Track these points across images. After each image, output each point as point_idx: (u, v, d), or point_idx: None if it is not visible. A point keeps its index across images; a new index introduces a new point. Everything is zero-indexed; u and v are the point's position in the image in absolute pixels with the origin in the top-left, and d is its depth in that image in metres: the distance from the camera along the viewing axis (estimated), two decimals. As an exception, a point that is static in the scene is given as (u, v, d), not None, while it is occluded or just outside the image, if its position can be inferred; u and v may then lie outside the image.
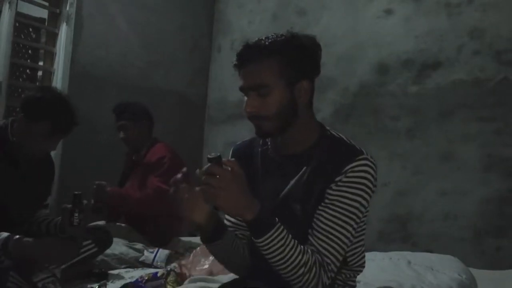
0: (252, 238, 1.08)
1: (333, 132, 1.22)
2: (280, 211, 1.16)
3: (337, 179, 1.11)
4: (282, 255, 1.05)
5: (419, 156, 2.92)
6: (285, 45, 1.13)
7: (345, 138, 1.20)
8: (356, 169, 1.11)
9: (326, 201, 1.12)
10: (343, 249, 1.11)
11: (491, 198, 2.65)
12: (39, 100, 1.77)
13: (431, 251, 2.34)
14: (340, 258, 1.12)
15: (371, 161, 1.13)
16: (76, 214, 1.76)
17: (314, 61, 1.18)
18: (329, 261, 1.09)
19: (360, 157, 1.12)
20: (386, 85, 3.08)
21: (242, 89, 1.16)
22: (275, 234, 1.05)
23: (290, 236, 1.07)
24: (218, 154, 1.03)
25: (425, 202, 2.86)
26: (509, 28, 2.68)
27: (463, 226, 2.72)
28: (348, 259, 1.23)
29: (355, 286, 1.31)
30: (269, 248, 1.05)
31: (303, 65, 1.15)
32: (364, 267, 1.30)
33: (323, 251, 1.09)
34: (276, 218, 1.07)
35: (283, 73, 1.12)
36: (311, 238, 1.11)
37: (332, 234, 1.10)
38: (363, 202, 1.12)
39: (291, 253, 1.06)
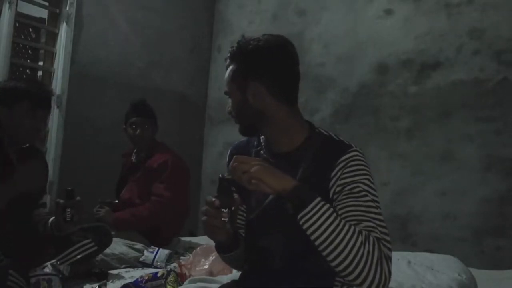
0: (300, 215, 1.02)
1: (322, 130, 1.25)
2: (272, 210, 1.18)
3: (333, 174, 1.14)
4: (335, 224, 1.00)
5: (418, 156, 2.92)
6: (235, 53, 1.22)
7: (333, 135, 1.24)
8: (351, 159, 1.15)
9: (343, 196, 1.12)
10: (383, 227, 1.07)
11: (491, 198, 2.65)
12: (7, 85, 1.84)
13: (431, 251, 2.34)
14: (388, 237, 1.06)
15: (360, 152, 1.18)
16: (68, 210, 1.77)
17: (265, 64, 1.20)
18: (379, 235, 1.04)
19: (350, 149, 1.17)
20: (386, 85, 3.08)
21: None
22: (322, 202, 1.03)
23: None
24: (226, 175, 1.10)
25: (424, 202, 2.86)
26: (509, 28, 2.67)
27: (463, 226, 2.72)
28: None
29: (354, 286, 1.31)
30: (321, 216, 1.01)
31: (248, 69, 1.21)
32: None
33: (369, 228, 1.05)
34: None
35: (234, 78, 1.22)
36: None
37: (365, 216, 1.07)
38: (371, 184, 1.14)
39: (342, 222, 1.02)
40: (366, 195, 1.11)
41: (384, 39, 3.10)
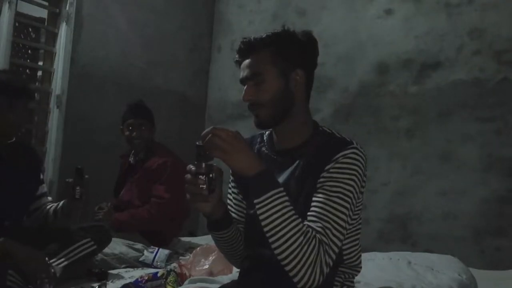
0: (252, 199, 1.07)
1: (325, 128, 1.26)
2: None
3: (327, 167, 1.14)
4: (281, 220, 1.04)
5: (418, 156, 2.92)
6: (277, 37, 1.20)
7: (336, 133, 1.24)
8: (346, 155, 1.14)
9: (318, 185, 1.14)
10: (339, 232, 1.09)
11: (491, 198, 2.65)
12: None
13: (431, 251, 2.34)
14: (338, 244, 1.10)
15: (360, 151, 1.16)
16: (78, 188, 1.79)
17: (308, 53, 1.23)
18: (326, 241, 1.07)
19: (350, 146, 1.16)
20: (386, 85, 3.08)
21: (241, 80, 1.22)
22: (276, 196, 1.05)
23: (290, 204, 1.07)
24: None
25: (424, 202, 2.87)
26: (509, 28, 2.68)
27: (463, 226, 2.72)
28: (345, 257, 1.24)
29: (353, 287, 1.31)
30: (268, 209, 1.04)
31: (295, 55, 1.20)
32: (361, 267, 1.31)
33: (320, 229, 1.07)
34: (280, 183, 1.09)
35: (276, 62, 1.18)
36: (306, 223, 1.10)
37: (326, 215, 1.09)
38: (355, 186, 1.13)
39: (291, 219, 1.04)
40: (339, 197, 1.10)
41: (384, 39, 3.10)
